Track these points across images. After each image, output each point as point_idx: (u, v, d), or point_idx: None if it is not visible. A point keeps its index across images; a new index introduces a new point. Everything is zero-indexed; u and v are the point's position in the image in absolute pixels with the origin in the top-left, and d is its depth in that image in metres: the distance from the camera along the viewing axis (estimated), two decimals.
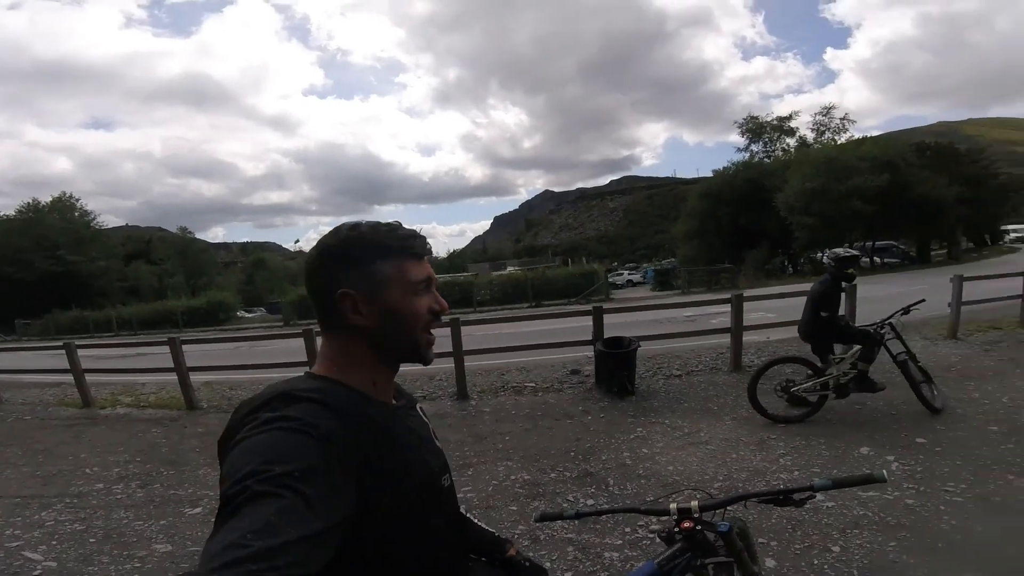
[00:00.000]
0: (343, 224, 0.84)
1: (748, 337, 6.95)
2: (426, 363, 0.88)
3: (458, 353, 6.29)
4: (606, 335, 6.29)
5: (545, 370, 7.19)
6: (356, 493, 0.66)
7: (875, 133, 39.93)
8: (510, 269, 42.47)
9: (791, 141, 35.87)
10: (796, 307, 5.14)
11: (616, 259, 72.89)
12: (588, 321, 6.53)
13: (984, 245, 37.76)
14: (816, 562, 2.52)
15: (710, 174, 39.64)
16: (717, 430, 4.52)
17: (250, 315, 34.59)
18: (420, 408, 0.97)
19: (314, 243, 0.84)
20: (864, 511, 2.94)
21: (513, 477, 3.88)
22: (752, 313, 6.83)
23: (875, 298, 8.32)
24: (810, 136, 35.37)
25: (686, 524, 1.12)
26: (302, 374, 0.83)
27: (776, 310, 8.34)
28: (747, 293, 7.29)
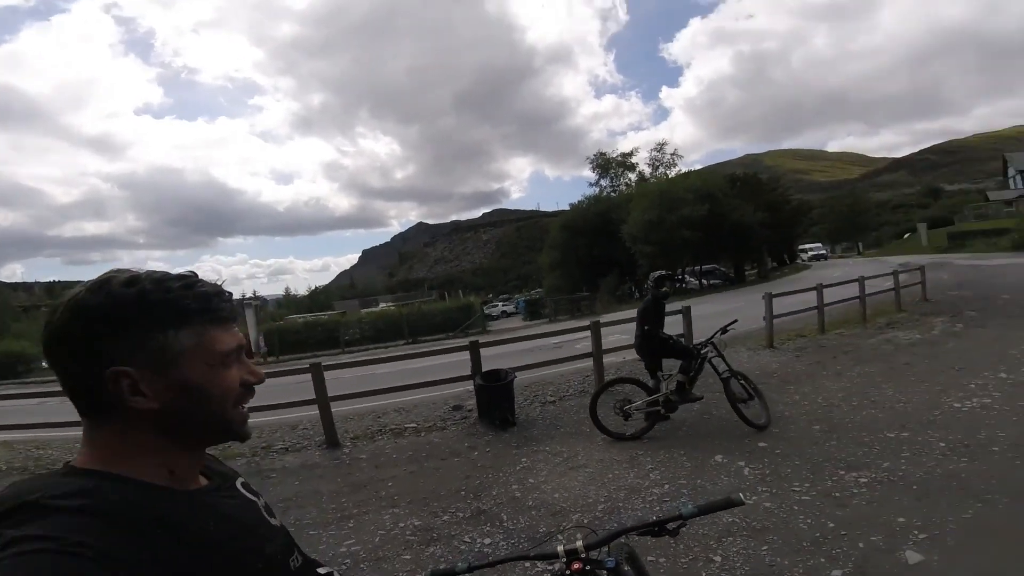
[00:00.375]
0: (111, 275, 0.63)
1: (608, 359, 7.40)
2: (243, 440, 0.72)
3: (322, 400, 5.80)
4: (484, 368, 6.26)
5: (426, 408, 6.92)
6: None
7: (698, 166, 47.56)
8: (383, 305, 40.87)
9: (632, 176, 40.09)
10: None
11: (491, 290, 74.84)
12: (466, 355, 6.44)
13: (784, 263, 46.02)
14: (704, 574, 2.68)
15: (568, 207, 42.84)
16: (592, 452, 4.70)
17: None
18: (241, 484, 0.78)
19: (82, 289, 0.62)
20: (732, 518, 3.22)
21: (402, 524, 3.63)
22: (609, 336, 7.37)
23: (705, 315, 9.55)
24: (647, 171, 39.85)
25: (576, 565, 1.15)
26: (59, 468, 0.62)
27: (629, 331, 9.12)
28: (604, 319, 7.86)
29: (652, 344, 5.11)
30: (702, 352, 4.93)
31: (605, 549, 1.20)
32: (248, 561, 0.65)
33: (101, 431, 0.63)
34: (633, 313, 5.61)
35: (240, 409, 0.69)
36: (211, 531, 0.63)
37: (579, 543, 1.17)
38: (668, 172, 38.54)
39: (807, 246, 51.53)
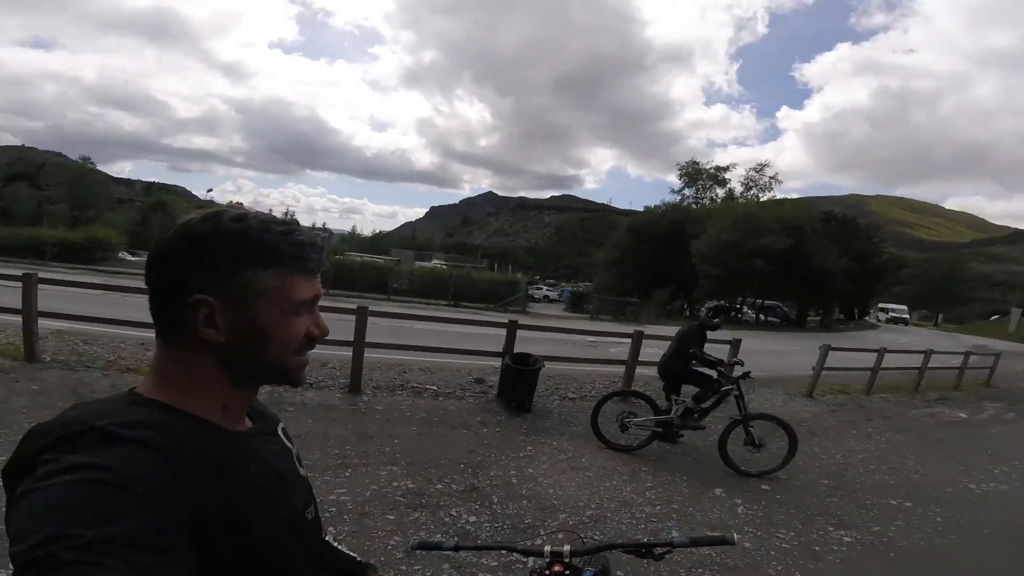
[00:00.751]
0: (224, 209, 0.68)
1: (641, 370, 7.41)
2: (297, 386, 0.76)
3: (359, 344, 5.95)
4: (516, 349, 6.45)
5: (450, 374, 7.17)
6: (198, 554, 0.56)
7: (795, 196, 44.68)
8: (435, 262, 41.74)
9: (721, 192, 38.25)
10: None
11: (540, 272, 75.08)
12: (500, 331, 6.63)
13: (852, 318, 43.21)
14: None
15: (642, 208, 41.97)
16: (597, 457, 4.82)
17: (134, 258, 30.85)
18: (282, 430, 0.83)
19: (197, 216, 0.66)
20: (708, 551, 3.29)
21: (396, 484, 3.79)
22: (648, 348, 7.37)
23: (753, 350, 9.30)
24: (738, 189, 37.83)
25: (557, 568, 1.20)
26: (125, 393, 0.66)
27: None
28: (648, 330, 7.83)
29: (678, 367, 5.16)
30: (723, 388, 4.89)
31: (587, 559, 1.26)
32: (278, 508, 0.68)
33: (169, 356, 0.66)
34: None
35: (300, 357, 0.71)
36: (252, 475, 0.66)
37: (566, 547, 1.22)
38: (761, 195, 36.39)
39: (890, 306, 48.77)
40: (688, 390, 5.31)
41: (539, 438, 5.18)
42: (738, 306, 30.99)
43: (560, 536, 2.69)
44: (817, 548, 3.50)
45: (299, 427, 4.57)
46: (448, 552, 1.28)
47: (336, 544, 0.93)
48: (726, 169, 38.53)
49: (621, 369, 7.37)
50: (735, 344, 7.62)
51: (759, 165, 37.55)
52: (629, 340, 7.28)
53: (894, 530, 3.89)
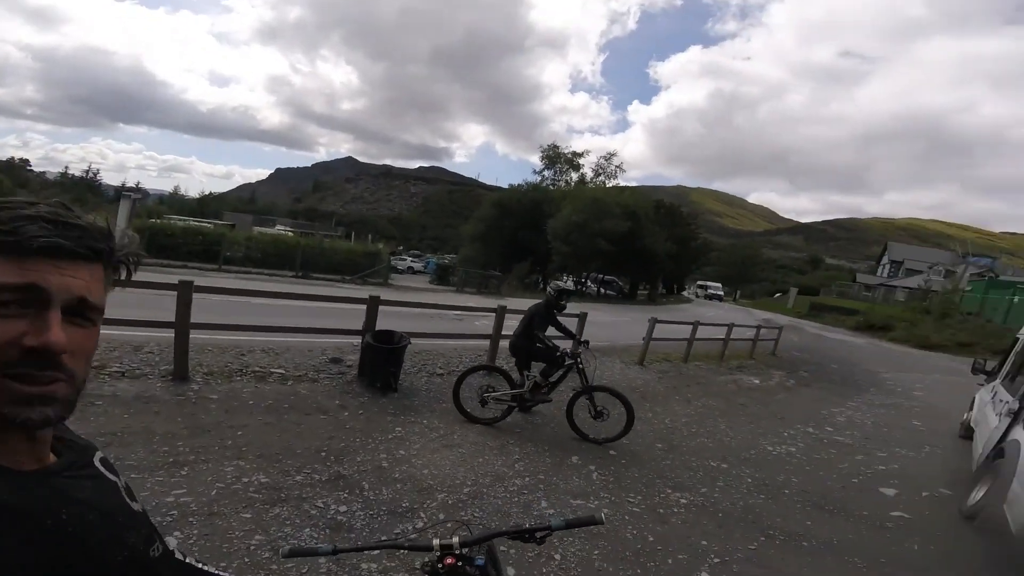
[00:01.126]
0: None
1: (505, 343, 7.61)
2: (26, 427, 0.53)
3: (182, 325, 5.07)
4: (378, 326, 6.17)
5: (299, 355, 6.58)
6: None
7: (634, 184, 50.71)
8: (280, 228, 37.85)
9: (575, 175, 41.66)
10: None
11: (404, 243, 73.19)
12: (356, 306, 6.27)
13: (672, 293, 50.52)
14: (544, 570, 2.96)
15: (507, 186, 44.65)
16: (468, 433, 4.93)
17: None
18: (100, 461, 0.67)
19: None
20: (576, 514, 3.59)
21: (246, 479, 3.43)
22: (511, 321, 7.70)
23: (596, 323, 10.29)
24: (589, 174, 41.57)
25: (449, 560, 1.21)
26: None
27: None
28: (510, 303, 8.14)
29: (528, 345, 5.53)
30: (567, 363, 5.35)
31: (476, 548, 1.29)
32: (109, 553, 0.58)
33: None
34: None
35: (18, 384, 0.51)
36: (64, 520, 0.54)
37: (455, 539, 1.24)
38: (607, 182, 40.42)
39: (708, 284, 56.18)
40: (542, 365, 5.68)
41: (408, 417, 5.09)
42: (583, 280, 34.82)
43: (448, 526, 2.70)
44: (662, 511, 3.99)
45: (113, 423, 3.88)
46: (327, 556, 1.19)
47: (202, 567, 0.81)
48: (581, 155, 41.93)
49: (487, 343, 7.60)
50: (582, 318, 8.38)
51: (608, 154, 41.74)
52: (493, 314, 7.51)
53: (718, 491, 4.54)
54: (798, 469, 5.48)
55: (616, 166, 40.87)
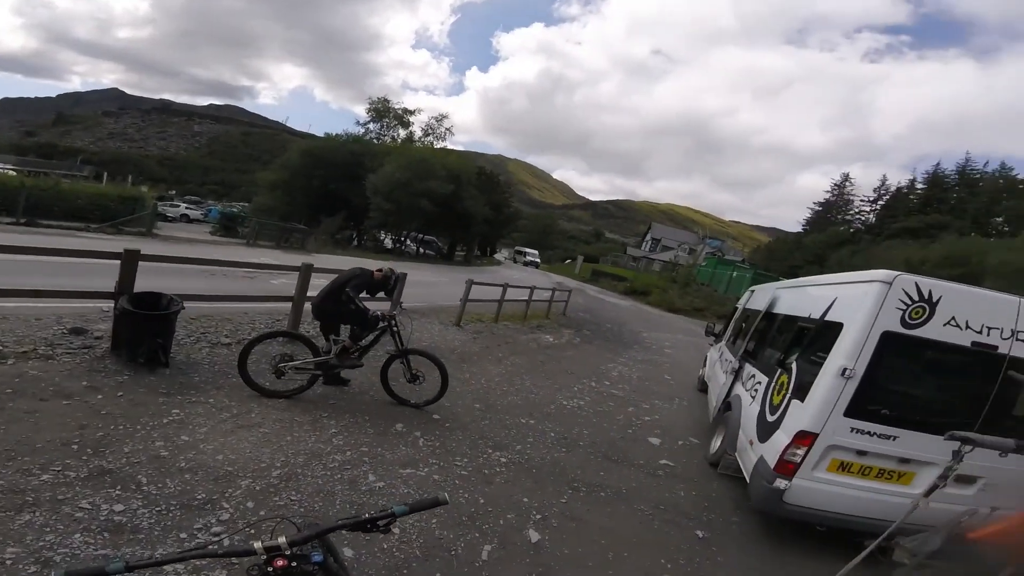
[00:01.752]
0: None
1: (308, 306, 7.00)
2: None
3: None
4: (139, 287, 4.91)
5: (23, 325, 5.01)
6: None
7: (460, 148, 50.83)
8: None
9: (403, 132, 41.01)
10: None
11: (178, 187, 60.68)
12: (102, 261, 4.90)
13: (485, 255, 53.24)
14: (385, 546, 2.89)
15: (322, 134, 41.65)
16: (270, 410, 4.43)
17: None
18: None
19: None
20: (408, 489, 3.59)
21: None
22: (319, 280, 7.08)
23: (416, 282, 10.24)
24: (418, 133, 41.26)
25: (279, 563, 1.12)
26: None
27: None
28: (317, 261, 7.48)
29: (332, 308, 5.07)
30: (381, 324, 5.06)
31: (309, 544, 1.21)
32: None
33: None
34: (351, 262, 5.53)
35: None
36: None
37: (282, 539, 1.14)
38: (435, 143, 40.65)
39: (526, 250, 59.25)
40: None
41: (188, 397, 4.32)
42: (403, 239, 34.43)
43: (269, 525, 2.41)
44: (486, 472, 4.24)
45: None
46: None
47: None
48: (413, 113, 41.41)
49: (286, 306, 6.83)
50: (402, 279, 8.21)
51: (440, 116, 41.95)
52: (295, 272, 6.77)
53: (529, 447, 4.98)
54: (587, 422, 6.38)
55: (447, 128, 41.46)
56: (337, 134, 38.25)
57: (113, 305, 4.79)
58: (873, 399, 3.59)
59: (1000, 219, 38.11)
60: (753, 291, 8.31)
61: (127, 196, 21.07)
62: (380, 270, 5.39)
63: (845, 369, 3.56)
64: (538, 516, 3.73)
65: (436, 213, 30.56)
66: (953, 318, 3.54)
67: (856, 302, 3.79)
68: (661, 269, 51.67)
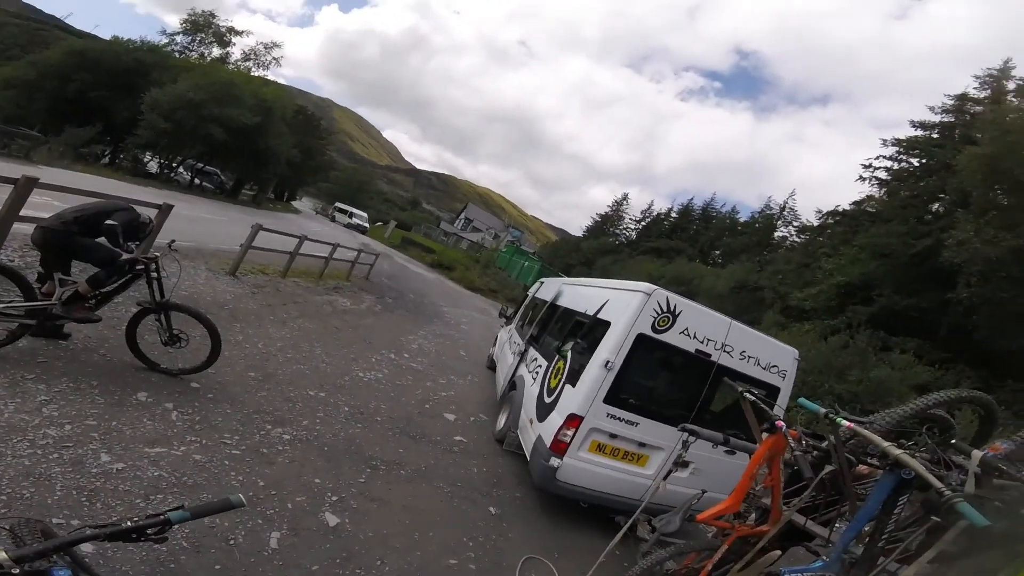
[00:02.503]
0: None
1: (20, 227, 5.15)
2: None
3: None
4: None
5: None
6: None
7: (282, 81, 44.07)
8: None
9: (217, 52, 35.11)
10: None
11: None
12: None
13: (281, 200, 47.69)
14: (165, 548, 2.44)
15: (105, 36, 33.33)
16: None
17: None
18: None
19: None
20: (159, 471, 3.02)
21: None
22: (40, 198, 5.38)
23: (185, 217, 8.63)
24: (236, 56, 35.67)
25: None
26: None
27: (69, 203, 6.93)
28: (46, 175, 5.71)
29: (76, 235, 3.93)
30: (136, 268, 4.06)
31: (49, 559, 1.00)
32: None
33: None
34: (94, 182, 4.25)
35: None
36: None
37: (3, 555, 0.92)
38: (254, 70, 35.75)
39: (355, 211, 49.01)
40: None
41: None
42: (174, 165, 29.00)
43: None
44: (265, 451, 3.82)
45: None
46: None
47: None
48: (239, 34, 35.75)
49: None
50: (165, 210, 6.80)
51: (271, 43, 37.22)
52: (11, 186, 5.04)
53: (319, 423, 4.69)
54: (385, 396, 6.27)
55: (274, 58, 36.93)
56: (129, 39, 30.87)
57: None
58: (625, 389, 4.34)
59: (718, 252, 49.70)
60: (543, 282, 9.19)
61: None
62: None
63: (608, 361, 4.23)
64: (334, 498, 3.56)
65: (226, 143, 26.52)
66: (686, 328, 4.46)
67: (623, 306, 4.53)
68: (468, 248, 53.81)
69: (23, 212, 5.01)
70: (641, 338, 4.31)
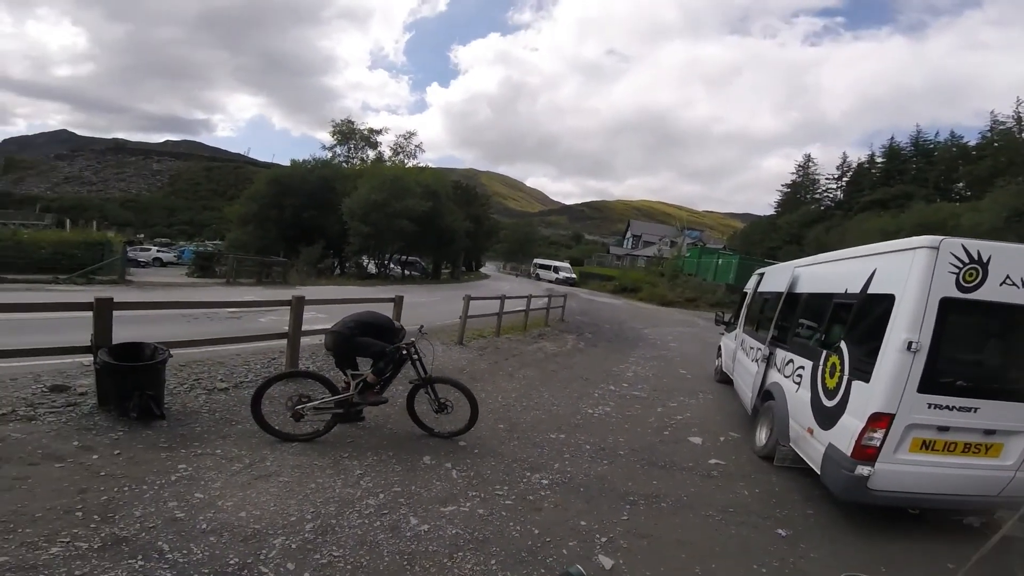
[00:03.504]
0: None
1: (307, 340, 6.67)
2: None
3: None
4: (118, 338, 4.56)
5: None
6: None
7: (432, 165, 50.45)
8: None
9: (372, 153, 41.21)
10: (348, 310, 5.28)
11: (145, 230, 59.44)
12: (84, 314, 4.50)
13: (471, 270, 52.54)
14: None
15: (287, 163, 39.84)
16: (285, 456, 4.10)
17: None
18: None
19: None
20: (455, 529, 3.28)
21: None
22: (312, 314, 6.72)
23: (413, 304, 9.95)
24: (388, 153, 41.47)
25: None
26: None
27: (328, 312, 8.41)
28: (308, 293, 7.14)
29: (352, 340, 4.73)
30: (402, 354, 4.77)
31: None
32: None
33: None
34: (348, 294, 5.25)
35: None
36: None
37: None
38: (407, 161, 40.87)
39: (559, 264, 48.60)
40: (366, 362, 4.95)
41: (193, 449, 3.99)
42: (386, 262, 33.87)
43: None
44: (531, 498, 3.95)
45: None
46: None
47: None
48: (379, 132, 41.65)
49: (281, 343, 6.50)
50: (398, 302, 7.91)
51: (408, 133, 42.27)
52: (283, 308, 6.43)
53: (568, 464, 4.72)
54: (619, 428, 6.14)
55: (416, 146, 41.76)
56: (304, 160, 37.61)
57: (93, 359, 4.45)
58: (945, 371, 3.46)
59: (961, 184, 39.55)
60: (763, 273, 8.20)
61: (93, 242, 20.20)
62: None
63: (911, 343, 3.41)
64: (603, 539, 3.46)
65: (417, 232, 30.12)
66: (1008, 276, 3.43)
67: (903, 271, 3.64)
68: (646, 264, 51.96)
69: (303, 327, 6.38)
70: (947, 303, 3.42)
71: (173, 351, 4.77)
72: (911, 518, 4.05)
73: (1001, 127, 38.28)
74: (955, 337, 3.51)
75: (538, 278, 45.62)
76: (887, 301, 3.70)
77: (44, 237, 20.18)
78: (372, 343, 4.74)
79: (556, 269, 46.24)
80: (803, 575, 3.34)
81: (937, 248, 3.46)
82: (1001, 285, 3.42)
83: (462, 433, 4.96)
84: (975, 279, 3.43)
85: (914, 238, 3.72)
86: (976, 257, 3.44)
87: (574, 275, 44.66)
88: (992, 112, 39.45)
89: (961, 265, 3.43)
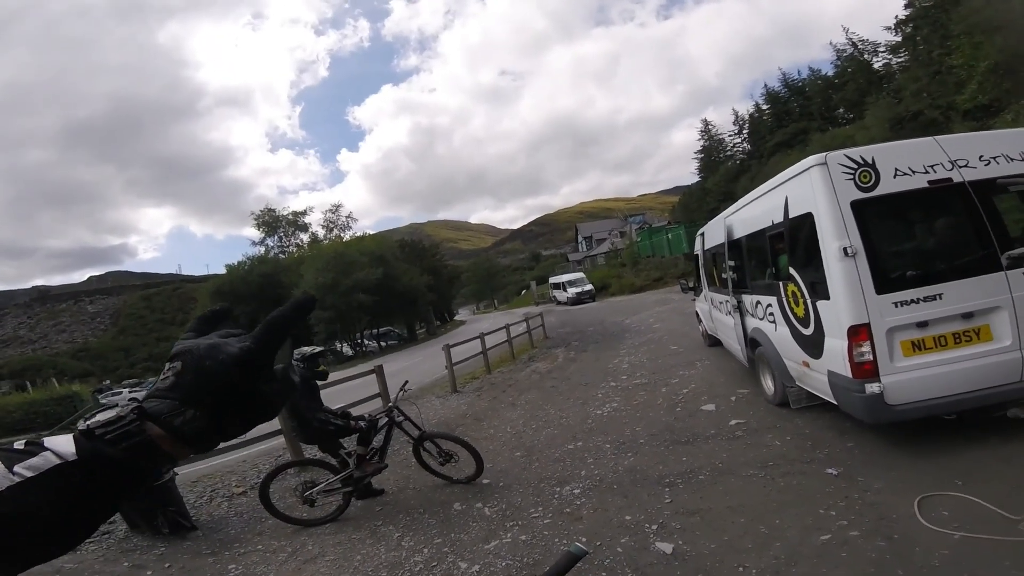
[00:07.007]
0: None
1: None
2: None
3: None
4: None
5: None
6: None
7: (370, 231, 49.69)
8: None
9: (305, 236, 39.91)
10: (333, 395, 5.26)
11: (107, 375, 56.89)
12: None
13: (445, 321, 52.03)
14: None
15: (222, 270, 38.49)
16: (323, 537, 4.12)
17: None
18: None
19: None
20: (504, 561, 3.28)
21: None
22: None
23: (393, 373, 9.87)
24: (321, 232, 40.22)
25: None
26: None
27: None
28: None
29: (317, 429, 4.59)
30: (383, 423, 4.74)
31: None
32: None
33: None
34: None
35: None
36: None
37: None
38: (343, 235, 39.79)
39: (565, 279, 37.98)
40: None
41: (235, 550, 4.06)
42: (359, 340, 32.88)
43: None
44: (568, 510, 3.93)
45: None
46: None
47: None
48: (304, 213, 40.77)
49: (279, 440, 6.40)
50: (379, 371, 7.89)
51: (334, 207, 41.39)
52: None
53: (594, 467, 4.72)
54: (632, 419, 6.18)
55: (347, 216, 41.04)
56: (239, 262, 35.93)
57: None
58: (891, 267, 3.64)
59: (841, 110, 42.27)
60: (703, 233, 8.49)
61: (60, 397, 20.22)
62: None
63: (845, 248, 3.56)
64: (653, 527, 3.44)
65: (377, 302, 29.36)
66: (896, 169, 3.68)
67: (807, 190, 3.89)
68: (606, 261, 52.94)
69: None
70: (858, 204, 3.64)
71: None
72: (960, 429, 3.82)
73: (845, 55, 41.28)
74: (883, 234, 3.74)
75: (557, 301, 36.57)
76: (808, 219, 3.91)
77: (11, 401, 20.14)
78: (338, 426, 4.59)
79: (565, 286, 35.87)
80: (878, 507, 3.13)
81: (825, 163, 3.73)
82: (895, 177, 3.67)
83: (476, 477, 4.84)
84: (870, 179, 3.68)
85: (803, 160, 3.99)
86: (862, 161, 3.71)
87: (590, 286, 34.84)
88: (830, 42, 42.52)
89: (852, 169, 3.69)
